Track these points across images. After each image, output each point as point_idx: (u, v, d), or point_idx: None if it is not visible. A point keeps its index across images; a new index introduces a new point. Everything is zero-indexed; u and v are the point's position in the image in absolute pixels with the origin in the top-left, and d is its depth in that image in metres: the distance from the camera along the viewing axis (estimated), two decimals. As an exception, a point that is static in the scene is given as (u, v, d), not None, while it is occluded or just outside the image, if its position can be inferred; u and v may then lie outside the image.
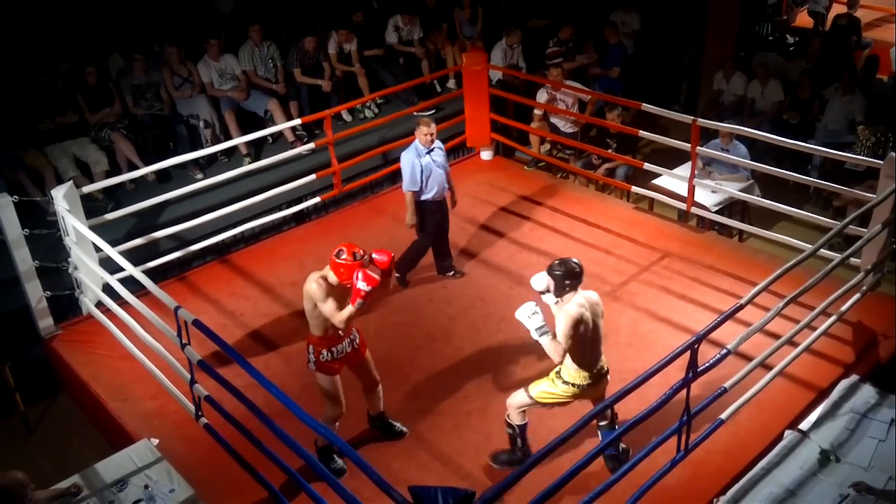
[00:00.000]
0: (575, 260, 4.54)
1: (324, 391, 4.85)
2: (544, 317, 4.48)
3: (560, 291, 4.50)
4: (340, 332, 4.75)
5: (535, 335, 4.46)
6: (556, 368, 4.62)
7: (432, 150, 6.30)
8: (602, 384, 4.69)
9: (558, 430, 3.96)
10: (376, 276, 4.53)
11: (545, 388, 4.66)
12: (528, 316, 4.46)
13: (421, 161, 6.24)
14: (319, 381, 4.83)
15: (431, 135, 6.23)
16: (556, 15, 10.32)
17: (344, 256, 4.54)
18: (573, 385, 4.57)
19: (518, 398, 4.76)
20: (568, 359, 4.52)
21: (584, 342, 4.48)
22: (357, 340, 4.91)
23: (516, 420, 4.80)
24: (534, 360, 5.85)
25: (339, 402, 4.88)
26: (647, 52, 10.43)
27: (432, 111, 9.06)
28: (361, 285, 4.49)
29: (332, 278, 4.62)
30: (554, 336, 4.47)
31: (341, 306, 4.61)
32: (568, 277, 4.46)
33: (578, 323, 4.40)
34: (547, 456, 3.74)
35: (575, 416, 4.46)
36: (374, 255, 4.68)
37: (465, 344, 6.02)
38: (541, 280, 4.57)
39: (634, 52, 10.32)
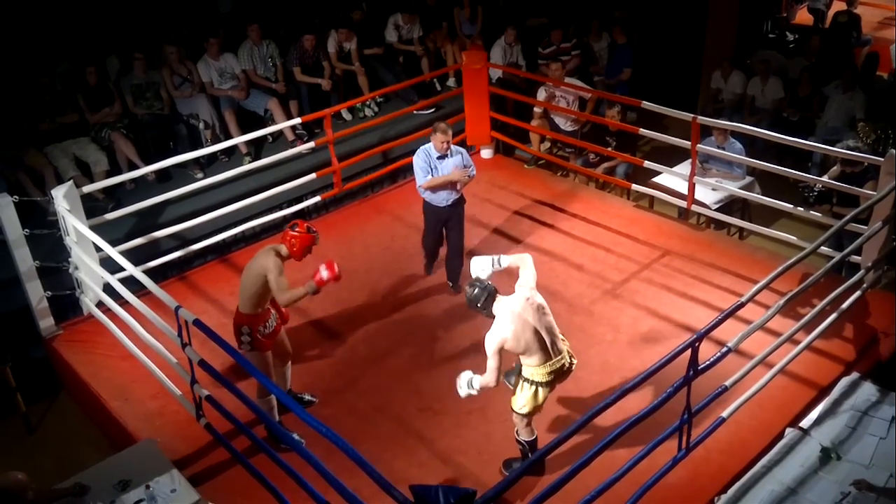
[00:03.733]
0: (474, 280, 4.61)
1: (257, 368, 4.89)
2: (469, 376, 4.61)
3: (486, 308, 4.53)
4: (269, 306, 4.95)
5: (472, 390, 4.58)
6: (521, 373, 4.63)
7: (445, 156, 6.22)
8: (566, 377, 4.70)
9: (559, 427, 3.96)
10: (336, 273, 4.83)
11: (523, 400, 4.62)
12: (463, 386, 4.61)
13: (430, 165, 6.22)
14: (253, 359, 4.90)
15: (445, 142, 6.15)
16: (556, 13, 10.27)
17: (297, 229, 4.82)
18: (538, 384, 4.55)
19: (516, 419, 4.76)
20: (527, 360, 4.54)
21: (531, 343, 4.46)
22: (276, 315, 5.13)
23: (525, 436, 4.80)
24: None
25: (271, 373, 5.09)
26: (652, 51, 10.41)
27: (432, 109, 9.07)
28: (324, 273, 4.74)
29: (284, 251, 4.85)
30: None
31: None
32: (483, 296, 4.51)
33: (503, 343, 4.42)
34: (548, 454, 3.74)
35: (576, 414, 4.48)
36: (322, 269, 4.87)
37: (466, 342, 6.02)
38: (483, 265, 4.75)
39: (637, 50, 10.28)
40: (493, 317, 4.52)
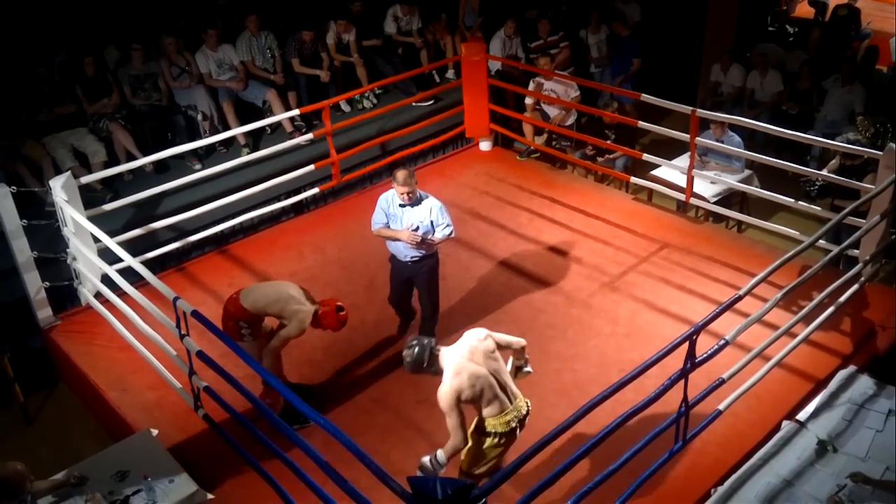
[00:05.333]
0: (411, 340, 4.20)
1: (265, 355, 4.99)
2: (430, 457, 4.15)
3: (432, 369, 4.15)
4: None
5: (438, 465, 4.09)
6: (470, 428, 4.20)
7: (407, 206, 5.39)
8: (523, 426, 4.27)
9: (556, 419, 3.96)
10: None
11: (480, 457, 4.24)
12: (420, 468, 4.14)
13: (388, 211, 5.47)
14: (254, 347, 5.00)
15: (406, 193, 5.30)
16: (545, 5, 10.21)
17: (341, 315, 5.10)
18: (500, 434, 4.16)
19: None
20: (485, 410, 4.14)
21: (486, 389, 4.09)
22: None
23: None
24: (534, 351, 5.85)
25: (279, 355, 5.17)
26: (652, 44, 10.39)
27: (431, 101, 9.06)
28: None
29: (316, 312, 5.07)
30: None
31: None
32: (424, 354, 4.12)
33: (459, 394, 4.01)
34: (545, 446, 3.75)
35: (573, 406, 4.47)
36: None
37: (462, 334, 6.01)
38: (421, 465, 4.15)
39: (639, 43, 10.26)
40: (441, 372, 4.12)
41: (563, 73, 8.89)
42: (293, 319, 4.96)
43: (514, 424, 4.18)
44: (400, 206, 5.39)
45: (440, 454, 4.11)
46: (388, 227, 5.47)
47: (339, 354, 5.97)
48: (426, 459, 4.14)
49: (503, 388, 4.17)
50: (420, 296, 5.77)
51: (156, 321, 5.17)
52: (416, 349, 4.12)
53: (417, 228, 5.36)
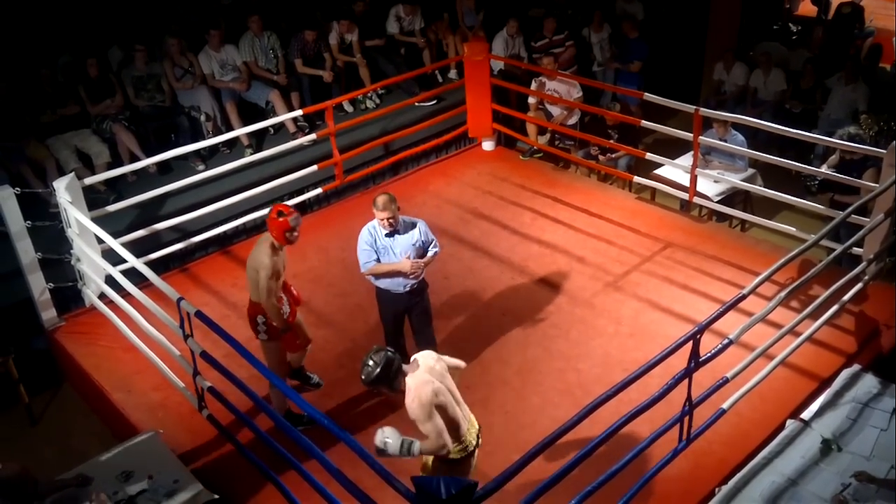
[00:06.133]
0: (376, 349, 3.95)
1: (270, 358, 5.00)
2: (396, 430, 3.87)
3: (394, 383, 3.91)
4: (280, 293, 5.00)
5: (405, 455, 3.83)
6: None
7: (396, 232, 5.12)
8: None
9: (560, 419, 3.97)
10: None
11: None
12: (383, 443, 3.82)
13: (376, 245, 5.13)
14: (267, 349, 5.03)
15: (387, 219, 5.01)
16: (551, 3, 10.21)
17: (271, 214, 4.90)
18: (458, 461, 4.03)
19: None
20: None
21: (449, 405, 3.96)
22: (289, 301, 5.19)
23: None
24: (538, 351, 5.87)
25: (284, 363, 5.18)
26: (654, 43, 10.38)
27: (433, 101, 9.06)
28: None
29: (274, 242, 4.92)
30: (421, 435, 3.91)
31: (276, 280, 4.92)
32: (393, 365, 3.89)
33: (436, 394, 3.85)
34: (549, 446, 3.75)
35: (577, 405, 4.48)
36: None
37: (467, 335, 6.02)
38: (386, 437, 3.84)
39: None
40: (399, 389, 3.93)
41: (565, 73, 8.89)
42: (259, 266, 4.82)
43: (473, 443, 4.10)
44: (387, 236, 5.10)
45: (416, 445, 3.85)
46: (380, 262, 5.15)
47: (343, 354, 5.97)
48: (391, 440, 3.82)
49: (459, 405, 4.09)
50: (417, 324, 5.43)
51: (160, 322, 5.18)
52: (384, 356, 3.88)
53: (419, 255, 5.18)
